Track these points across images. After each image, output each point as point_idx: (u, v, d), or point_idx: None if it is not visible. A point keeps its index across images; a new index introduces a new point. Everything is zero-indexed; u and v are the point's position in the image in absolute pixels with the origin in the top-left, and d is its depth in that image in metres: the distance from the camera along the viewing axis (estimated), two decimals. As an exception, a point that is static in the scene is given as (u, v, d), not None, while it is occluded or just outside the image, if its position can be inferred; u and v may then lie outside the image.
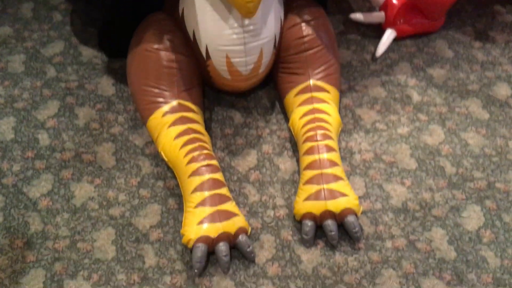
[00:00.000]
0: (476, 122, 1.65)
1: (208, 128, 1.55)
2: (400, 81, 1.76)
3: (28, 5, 1.95)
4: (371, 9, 1.98)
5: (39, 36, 1.85)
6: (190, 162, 1.38)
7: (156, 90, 1.49)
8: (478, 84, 1.76)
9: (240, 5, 1.32)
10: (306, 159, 1.43)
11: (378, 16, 1.87)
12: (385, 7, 1.85)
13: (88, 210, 1.40)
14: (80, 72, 1.74)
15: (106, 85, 1.71)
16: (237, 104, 1.67)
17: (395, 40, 1.86)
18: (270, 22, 1.48)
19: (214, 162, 1.40)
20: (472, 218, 1.41)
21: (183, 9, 1.52)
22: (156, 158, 1.52)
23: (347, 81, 1.75)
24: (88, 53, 1.80)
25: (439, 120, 1.65)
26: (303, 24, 1.58)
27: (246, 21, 1.42)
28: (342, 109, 1.66)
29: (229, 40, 1.45)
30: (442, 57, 1.84)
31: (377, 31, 1.88)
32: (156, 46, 1.51)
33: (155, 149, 1.52)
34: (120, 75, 1.72)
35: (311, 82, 1.56)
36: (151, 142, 1.55)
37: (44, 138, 1.55)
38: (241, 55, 1.48)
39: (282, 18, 1.57)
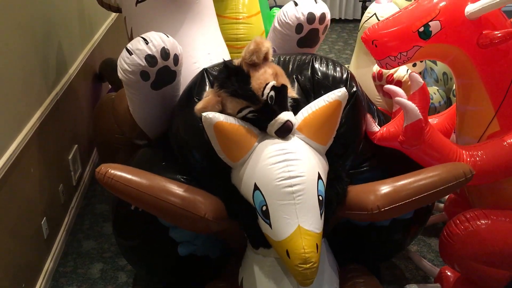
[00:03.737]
0: None
1: None
2: None
3: (98, 265, 2.09)
4: (425, 278, 1.99)
5: (102, 296, 1.94)
6: None
7: None
8: None
9: (297, 272, 1.31)
10: None
11: (434, 288, 1.87)
12: (439, 279, 1.86)
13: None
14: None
15: None
16: None
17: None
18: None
19: None
20: None
21: (242, 278, 1.59)
22: None
23: None
24: (144, 314, 1.85)
25: None
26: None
27: None
28: None
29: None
30: None
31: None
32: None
33: None
34: None
35: None
36: None
37: None
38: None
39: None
